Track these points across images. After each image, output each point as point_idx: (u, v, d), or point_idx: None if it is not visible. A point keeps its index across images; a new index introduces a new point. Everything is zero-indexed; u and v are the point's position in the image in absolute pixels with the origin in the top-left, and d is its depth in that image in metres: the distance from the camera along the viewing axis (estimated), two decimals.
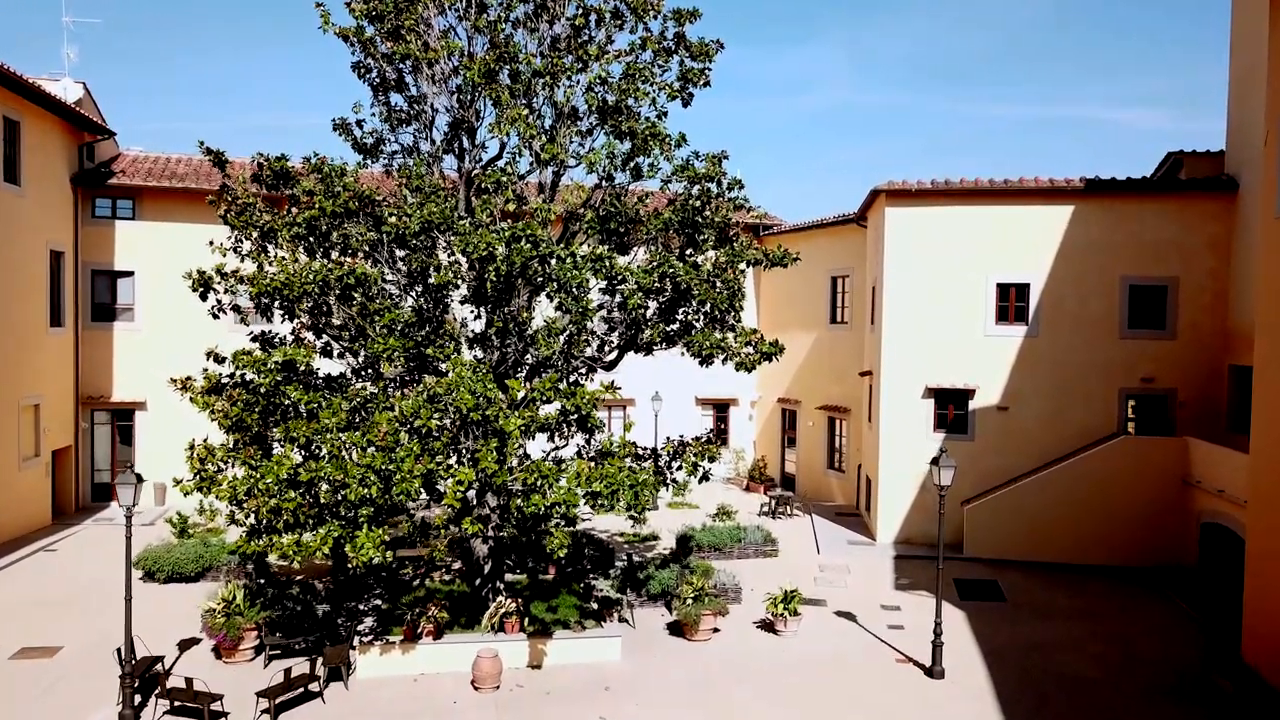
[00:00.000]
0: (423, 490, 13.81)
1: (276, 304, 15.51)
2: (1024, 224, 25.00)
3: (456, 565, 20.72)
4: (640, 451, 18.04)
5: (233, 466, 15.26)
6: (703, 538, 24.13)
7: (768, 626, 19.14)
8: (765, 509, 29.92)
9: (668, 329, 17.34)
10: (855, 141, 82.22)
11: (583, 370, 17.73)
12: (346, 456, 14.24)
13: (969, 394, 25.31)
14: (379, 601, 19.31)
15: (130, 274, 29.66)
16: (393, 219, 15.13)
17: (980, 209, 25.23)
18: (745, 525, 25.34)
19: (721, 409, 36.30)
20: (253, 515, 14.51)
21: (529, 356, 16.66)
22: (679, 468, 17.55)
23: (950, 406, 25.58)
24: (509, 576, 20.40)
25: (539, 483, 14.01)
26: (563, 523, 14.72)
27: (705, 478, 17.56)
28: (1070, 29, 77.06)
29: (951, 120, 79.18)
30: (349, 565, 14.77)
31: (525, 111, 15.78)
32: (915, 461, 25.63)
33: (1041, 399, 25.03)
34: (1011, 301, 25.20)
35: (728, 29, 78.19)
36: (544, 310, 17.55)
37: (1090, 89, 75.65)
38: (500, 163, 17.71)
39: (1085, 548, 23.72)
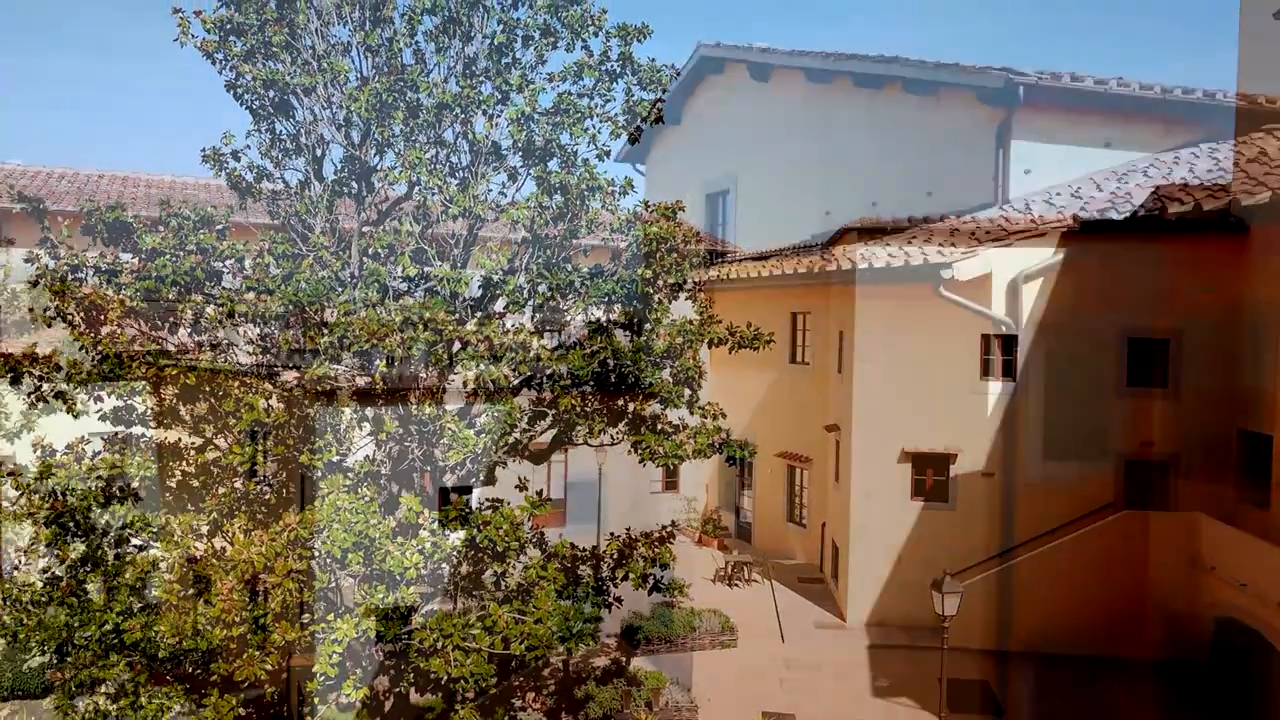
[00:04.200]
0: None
1: (110, 397, 12.08)
2: (1010, 267, 22.24)
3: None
4: (579, 553, 14.89)
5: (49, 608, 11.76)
6: (651, 629, 20.98)
7: None
8: (721, 574, 26.93)
9: (612, 405, 14.15)
10: None
11: (505, 462, 14.50)
12: (193, 602, 10.87)
13: (950, 458, 22.49)
14: None
15: None
16: (250, 294, 11.74)
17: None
18: (699, 609, 22.24)
19: None
20: (62, 687, 11.07)
21: (437, 455, 13.37)
22: (625, 577, 14.38)
23: (929, 471, 22.73)
24: (417, 698, 17.09)
25: (441, 643, 10.79)
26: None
27: (657, 588, 14.46)
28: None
29: None
30: None
31: (428, 155, 12.49)
32: (890, 533, 22.80)
33: (1031, 464, 22.22)
34: (998, 354, 22.43)
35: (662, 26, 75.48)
36: (457, 387, 14.24)
37: None
38: (410, 201, 14.41)
39: (1085, 637, 20.90)
